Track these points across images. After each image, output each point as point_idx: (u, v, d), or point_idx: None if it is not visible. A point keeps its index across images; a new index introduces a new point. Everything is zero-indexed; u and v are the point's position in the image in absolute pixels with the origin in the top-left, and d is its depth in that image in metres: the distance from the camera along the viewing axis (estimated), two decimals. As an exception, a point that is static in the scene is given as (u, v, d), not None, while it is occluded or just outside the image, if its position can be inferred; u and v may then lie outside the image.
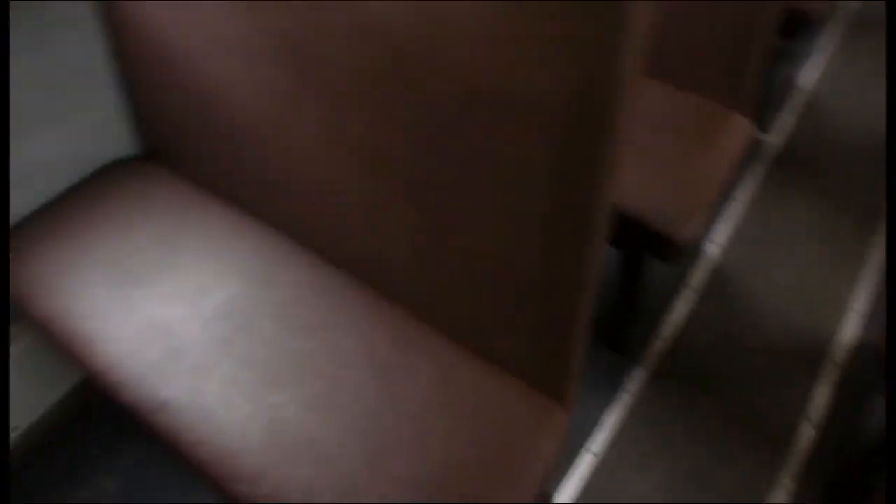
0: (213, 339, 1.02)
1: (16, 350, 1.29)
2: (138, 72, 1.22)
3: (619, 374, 1.54)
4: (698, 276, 1.75)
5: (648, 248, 1.23)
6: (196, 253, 1.13)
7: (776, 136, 2.16)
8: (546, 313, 0.90)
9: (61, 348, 1.06)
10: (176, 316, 1.05)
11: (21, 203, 1.20)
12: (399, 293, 1.06)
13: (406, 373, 0.98)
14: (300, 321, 1.04)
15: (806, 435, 1.45)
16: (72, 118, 1.23)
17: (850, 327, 1.65)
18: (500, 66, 0.74)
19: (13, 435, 1.36)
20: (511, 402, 0.96)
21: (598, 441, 1.43)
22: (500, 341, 0.98)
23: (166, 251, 1.13)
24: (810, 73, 2.42)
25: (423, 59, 0.80)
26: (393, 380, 0.97)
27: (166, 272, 1.10)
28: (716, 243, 1.83)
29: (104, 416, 1.43)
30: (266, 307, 1.06)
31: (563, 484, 1.37)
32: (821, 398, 1.51)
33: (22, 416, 1.37)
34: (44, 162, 1.22)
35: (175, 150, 1.28)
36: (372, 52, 0.84)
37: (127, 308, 1.06)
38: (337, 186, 1.03)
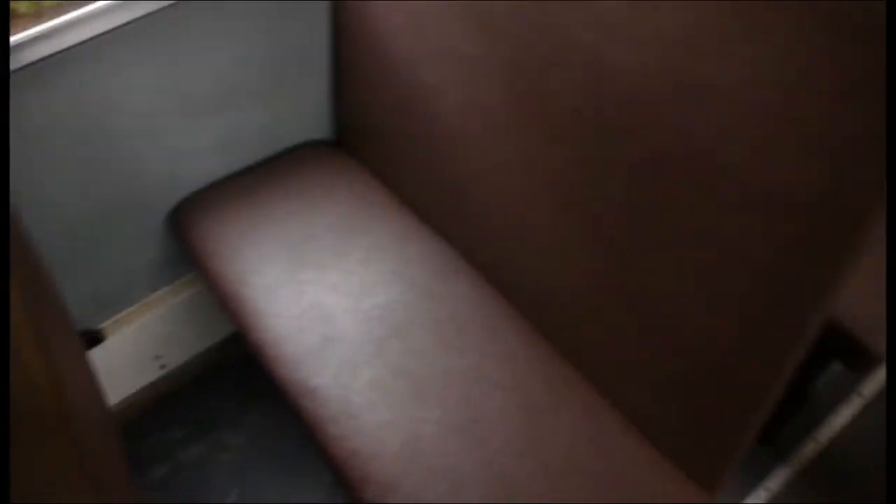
0: (368, 336, 1.03)
1: (181, 298, 1.38)
2: (351, 65, 1.26)
3: (762, 466, 1.42)
4: (871, 385, 1.59)
5: (837, 351, 1.12)
6: (367, 248, 1.15)
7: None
8: (724, 405, 0.84)
9: (229, 311, 1.11)
10: (338, 306, 1.07)
11: (222, 164, 1.28)
12: (561, 337, 1.03)
13: (555, 421, 0.94)
14: (455, 340, 1.04)
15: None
16: (280, 97, 1.30)
17: None
18: (744, 146, 0.69)
19: (160, 373, 1.46)
20: (657, 481, 0.91)
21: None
22: (661, 418, 0.92)
23: (340, 240, 1.16)
24: None
25: (658, 120, 0.76)
26: (540, 424, 0.94)
27: (337, 261, 1.13)
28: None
29: (239, 374, 1.50)
30: (423, 318, 1.06)
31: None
32: None
33: (172, 356, 1.47)
34: (248, 131, 1.29)
35: (367, 143, 1.31)
36: (604, 98, 0.81)
37: (296, 289, 1.10)
38: (522, 216, 1.01)
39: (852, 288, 1.14)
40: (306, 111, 1.36)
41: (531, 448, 0.92)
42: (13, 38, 1.00)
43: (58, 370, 0.45)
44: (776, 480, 1.41)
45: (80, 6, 1.06)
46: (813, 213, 0.67)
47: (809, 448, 1.46)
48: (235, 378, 1.50)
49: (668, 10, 0.72)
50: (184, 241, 1.22)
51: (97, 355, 1.34)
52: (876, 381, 1.60)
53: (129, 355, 1.40)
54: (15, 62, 0.98)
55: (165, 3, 1.07)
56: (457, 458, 0.91)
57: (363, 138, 1.32)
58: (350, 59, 1.26)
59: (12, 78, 0.97)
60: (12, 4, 1.50)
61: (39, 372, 0.44)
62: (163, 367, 1.46)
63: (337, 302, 1.08)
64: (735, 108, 0.69)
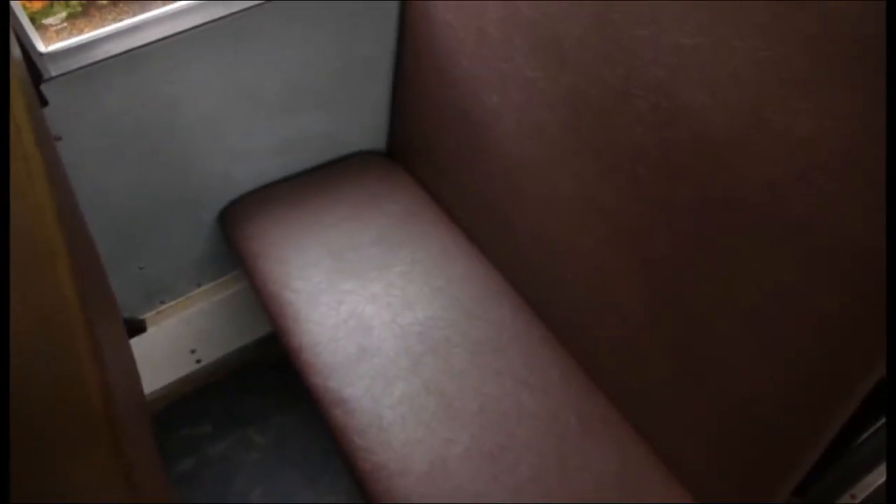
0: (405, 351, 1.03)
1: (223, 295, 1.41)
2: (412, 78, 1.27)
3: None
4: None
5: (885, 408, 1.08)
6: (410, 262, 1.15)
7: None
8: (762, 456, 0.81)
9: (269, 312, 1.12)
10: (377, 318, 1.07)
11: (277, 167, 1.30)
12: (600, 372, 1.01)
13: (586, 456, 0.92)
14: (492, 363, 1.03)
15: None
16: (341, 105, 1.32)
17: None
18: (818, 197, 0.67)
19: (195, 367, 1.48)
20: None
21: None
22: (696, 462, 0.89)
23: (385, 252, 1.16)
24: None
25: (725, 162, 0.74)
26: (573, 460, 0.92)
27: (379, 273, 1.13)
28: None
29: (272, 375, 1.51)
30: (462, 338, 1.05)
31: None
32: None
33: (208, 352, 1.49)
34: (306, 137, 1.31)
35: (421, 156, 1.32)
36: (670, 137, 0.80)
37: (336, 297, 1.10)
38: (571, 248, 1.00)
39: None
40: (364, 120, 1.38)
41: (559, 481, 0.90)
42: (88, 35, 1.04)
43: (104, 360, 0.46)
44: (809, 539, 1.35)
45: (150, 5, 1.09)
46: (879, 272, 0.65)
47: (846, 506, 1.40)
48: (268, 378, 1.51)
49: (745, 51, 0.70)
50: (232, 239, 1.24)
51: (137, 345, 1.36)
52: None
53: (167, 347, 1.43)
54: (86, 59, 1.02)
55: (240, 7, 1.09)
56: (483, 484, 0.89)
57: (417, 152, 1.33)
58: (412, 72, 1.27)
59: (81, 71, 1.01)
60: None
61: (88, 362, 0.45)
62: (198, 361, 1.48)
63: (376, 314, 1.08)
64: (810, 157, 0.67)
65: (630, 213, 0.89)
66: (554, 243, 1.03)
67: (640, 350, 0.93)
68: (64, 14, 1.21)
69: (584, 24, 0.87)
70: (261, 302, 1.15)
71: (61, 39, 1.03)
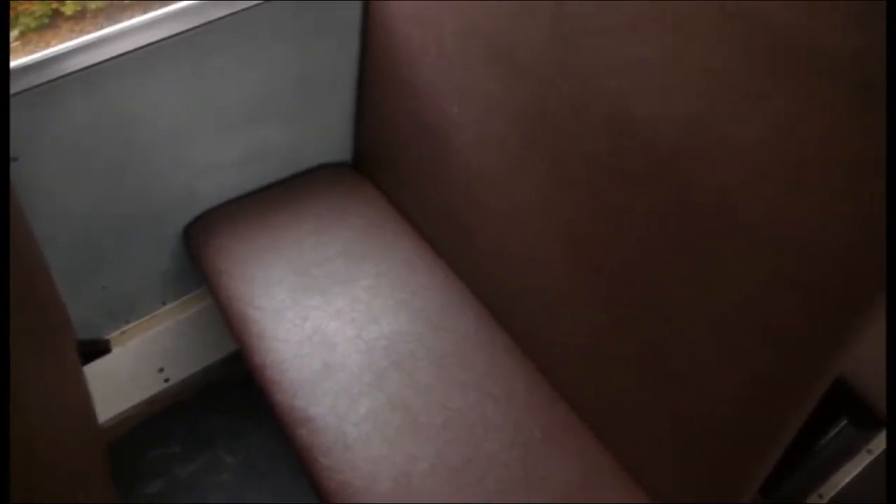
0: (369, 367, 1.02)
1: (190, 312, 1.39)
2: (375, 90, 1.27)
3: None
4: (880, 440, 1.54)
5: (845, 409, 1.09)
6: (375, 276, 1.15)
7: None
8: (722, 460, 0.81)
9: (232, 330, 1.11)
10: (341, 334, 1.06)
11: (241, 182, 1.29)
12: (564, 381, 1.01)
13: (552, 468, 0.92)
14: (457, 376, 1.02)
15: None
16: (304, 117, 1.31)
17: None
18: (765, 203, 0.67)
19: (163, 386, 1.45)
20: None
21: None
22: (658, 467, 0.89)
23: (350, 267, 1.16)
24: None
25: (678, 170, 0.75)
26: (537, 471, 0.91)
27: (344, 288, 1.13)
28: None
29: (241, 392, 1.49)
30: (426, 351, 1.05)
31: None
32: None
33: (176, 370, 1.46)
34: (269, 150, 1.30)
35: (385, 168, 1.32)
36: (625, 146, 0.80)
37: (301, 313, 1.09)
38: (531, 258, 1.00)
39: (863, 346, 1.11)
40: (328, 132, 1.37)
41: (524, 492, 0.89)
42: (44, 53, 1.02)
43: (31, 387, 0.45)
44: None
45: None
46: (828, 275, 0.65)
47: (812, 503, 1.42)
48: (237, 396, 1.49)
49: (694, 60, 0.71)
50: (196, 256, 1.23)
51: (102, 365, 1.34)
52: (883, 436, 1.55)
53: (134, 367, 1.40)
54: (44, 76, 1.00)
55: (198, 22, 1.09)
56: (448, 500, 0.89)
57: (382, 163, 1.32)
58: (375, 83, 1.26)
59: (36, 90, 0.99)
60: (59, 6, 1.54)
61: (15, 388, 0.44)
62: (166, 380, 1.45)
63: (340, 329, 1.07)
64: (758, 163, 0.68)
65: (589, 223, 0.89)
66: (515, 254, 1.03)
67: (600, 358, 0.93)
68: (16, 32, 1.20)
69: (537, 36, 0.88)
70: (225, 320, 1.13)
71: (14, 58, 1.02)
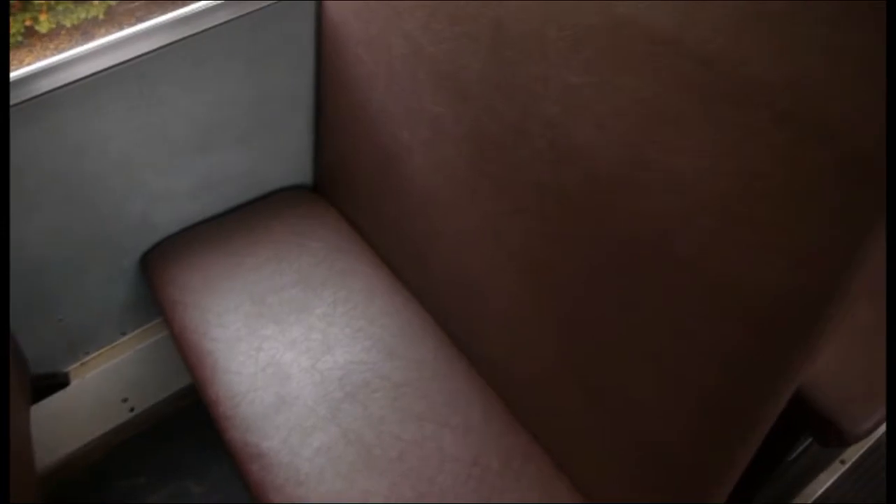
0: (323, 399, 1.00)
1: (152, 341, 1.36)
2: (332, 113, 1.25)
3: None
4: (853, 450, 1.52)
5: (811, 430, 1.07)
6: (332, 303, 1.13)
7: None
8: (681, 488, 0.80)
9: (187, 364, 1.09)
10: (296, 365, 1.04)
11: (199, 208, 1.27)
12: (519, 406, 0.99)
13: (509, 498, 0.90)
14: (413, 405, 1.00)
15: None
16: (262, 141, 1.29)
17: None
18: (700, 236, 0.66)
19: (127, 416, 1.43)
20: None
21: None
22: (615, 496, 0.87)
23: (307, 294, 1.14)
24: None
25: (618, 201, 0.73)
26: (493, 499, 0.89)
27: (300, 316, 1.11)
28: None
29: (207, 420, 1.47)
30: (382, 381, 1.03)
31: None
32: None
33: (140, 400, 1.44)
34: (227, 175, 1.28)
35: (346, 191, 1.30)
36: (567, 174, 0.78)
37: (255, 344, 1.07)
38: (484, 285, 0.98)
39: (839, 362, 1.09)
40: (288, 156, 1.35)
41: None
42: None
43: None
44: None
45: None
46: (765, 307, 0.64)
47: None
48: (204, 423, 1.46)
49: (627, 88, 0.69)
50: (152, 286, 1.21)
51: (62, 398, 1.32)
52: (856, 446, 1.53)
53: (96, 398, 1.38)
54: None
55: (144, 49, 1.07)
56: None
57: (342, 187, 1.31)
58: (332, 106, 1.25)
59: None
60: (33, 24, 1.50)
61: None
62: (131, 410, 1.43)
63: (295, 360, 1.05)
64: (692, 196, 0.66)
65: (536, 251, 0.88)
66: (469, 279, 1.01)
67: (554, 385, 0.92)
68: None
69: (480, 61, 0.86)
70: (180, 352, 1.11)
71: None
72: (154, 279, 1.20)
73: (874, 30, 0.51)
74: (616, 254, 0.76)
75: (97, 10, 3.24)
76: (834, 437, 1.05)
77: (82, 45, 1.08)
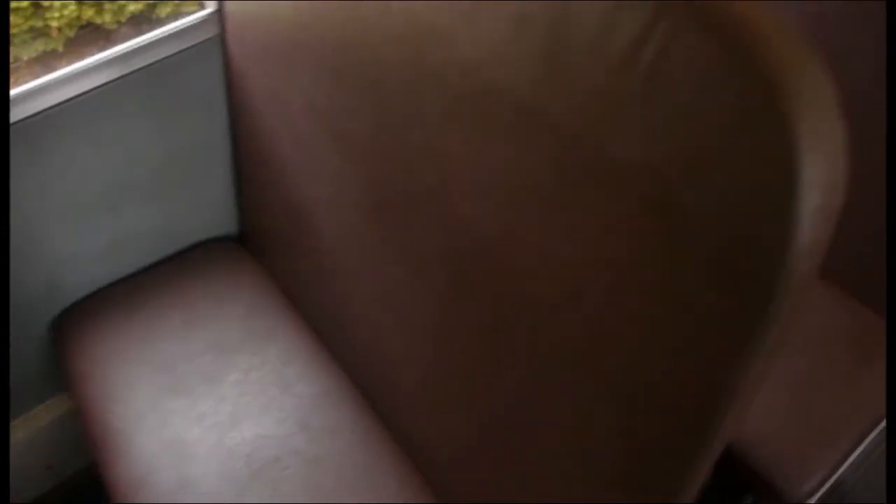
0: (228, 480, 0.94)
1: (73, 406, 1.30)
2: (250, 166, 1.19)
3: None
4: None
5: (750, 491, 1.01)
6: (246, 370, 1.06)
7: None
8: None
9: (89, 440, 1.02)
10: (202, 442, 0.98)
11: (109, 270, 1.20)
12: (437, 478, 0.92)
13: None
14: (325, 483, 0.94)
15: None
16: (180, 194, 1.23)
17: None
18: (584, 322, 0.60)
19: (53, 482, 1.36)
20: None
21: None
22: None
23: (219, 362, 1.07)
24: None
25: (506, 278, 0.67)
26: None
27: (210, 387, 1.04)
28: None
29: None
30: (294, 457, 0.96)
31: None
32: None
33: (65, 465, 1.37)
34: (141, 232, 1.21)
35: (268, 245, 1.24)
36: (455, 245, 0.73)
37: (161, 419, 1.00)
38: (397, 349, 0.92)
39: (778, 420, 1.03)
40: (210, 208, 1.28)
41: None
42: None
43: None
44: None
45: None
46: (654, 404, 0.58)
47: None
48: None
49: (499, 161, 0.63)
50: (59, 356, 1.14)
51: (-22, 469, 1.25)
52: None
53: (19, 466, 1.31)
54: None
55: (34, 110, 1.01)
56: None
57: (264, 240, 1.24)
58: (245, 159, 1.19)
59: None
60: None
61: None
62: (56, 476, 1.36)
63: (201, 436, 0.98)
64: (571, 284, 0.60)
65: (442, 319, 0.82)
66: (380, 345, 0.95)
67: (475, 459, 0.86)
68: None
69: (367, 124, 0.80)
70: (82, 428, 1.05)
71: None
72: (61, 348, 1.14)
73: (735, 119, 0.45)
74: (517, 332, 0.70)
75: (56, 43, 3.18)
76: (773, 499, 0.99)
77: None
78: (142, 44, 1.08)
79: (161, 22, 1.16)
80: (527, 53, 0.56)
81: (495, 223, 0.66)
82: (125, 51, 1.07)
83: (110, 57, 1.06)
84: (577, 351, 0.61)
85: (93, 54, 1.11)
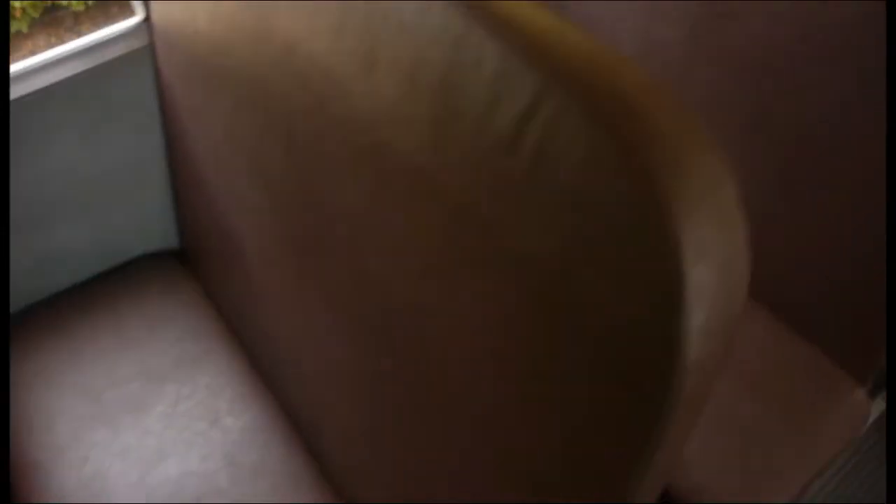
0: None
1: None
2: (180, 181, 1.14)
3: None
4: None
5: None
6: (175, 402, 1.02)
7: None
8: None
9: (12, 474, 0.99)
10: (123, 478, 0.94)
11: (35, 289, 1.15)
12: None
13: None
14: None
15: None
16: (112, 207, 1.17)
17: None
18: (490, 395, 0.56)
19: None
20: None
21: None
22: None
23: (147, 390, 1.03)
24: None
25: (421, 343, 0.63)
26: None
27: (137, 417, 1.00)
28: None
29: None
30: (217, 496, 0.93)
31: None
32: None
33: None
34: (71, 248, 1.16)
35: (205, 260, 1.19)
36: (369, 302, 0.68)
37: (83, 452, 0.97)
38: (326, 389, 0.89)
39: (719, 464, 1.00)
40: (147, 222, 1.23)
41: None
42: None
43: None
44: None
45: None
46: (555, 484, 0.54)
47: None
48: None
49: (403, 223, 0.58)
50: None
51: None
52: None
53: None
54: None
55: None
56: None
57: (202, 258, 1.20)
58: (178, 176, 1.13)
59: None
60: None
61: None
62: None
63: (123, 473, 0.95)
64: (481, 345, 0.56)
65: (361, 366, 0.77)
66: (310, 383, 0.91)
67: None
68: None
69: (280, 161, 0.75)
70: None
71: None
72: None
73: (618, 219, 0.40)
74: (428, 396, 0.66)
75: (20, 24, 3.07)
76: None
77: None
78: (66, 54, 1.03)
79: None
80: (417, 116, 0.51)
81: (403, 286, 0.61)
82: (47, 61, 1.01)
83: (31, 67, 1.01)
84: (477, 431, 0.57)
85: (59, 36, 1.05)
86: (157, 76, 1.06)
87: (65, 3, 3.06)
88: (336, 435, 0.90)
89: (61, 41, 0.98)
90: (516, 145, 0.45)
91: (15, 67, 1.02)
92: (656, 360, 0.41)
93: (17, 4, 3.05)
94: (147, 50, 1.05)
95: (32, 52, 1.02)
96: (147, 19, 1.03)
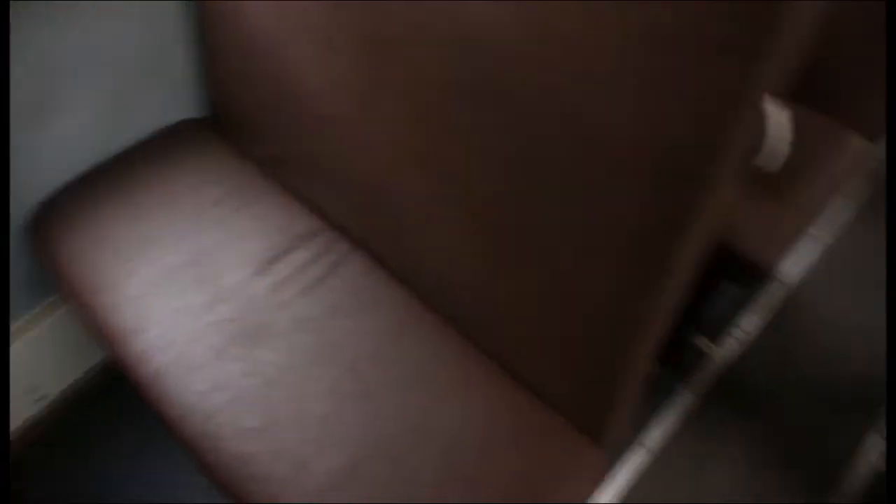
0: (221, 339, 0.97)
1: (51, 320, 1.26)
2: (216, 41, 1.17)
3: (667, 388, 1.47)
4: (767, 300, 1.66)
5: (726, 271, 1.12)
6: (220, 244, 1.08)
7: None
8: (606, 353, 0.82)
9: (95, 335, 1.02)
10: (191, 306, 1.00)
11: (84, 157, 1.17)
12: (455, 316, 0.99)
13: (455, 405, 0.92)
14: (347, 323, 0.99)
15: (848, 482, 1.37)
16: (147, 78, 1.20)
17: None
18: (613, 108, 0.66)
19: (41, 405, 1.34)
20: (550, 439, 0.90)
21: (634, 456, 1.39)
22: (547, 374, 0.91)
23: (197, 250, 1.07)
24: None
25: (522, 81, 0.72)
26: (432, 398, 0.91)
27: (197, 269, 1.05)
28: (795, 268, 1.73)
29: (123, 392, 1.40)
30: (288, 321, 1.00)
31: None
32: (873, 446, 1.42)
33: (50, 386, 1.35)
34: (111, 119, 1.19)
35: (239, 121, 1.23)
36: (470, 63, 0.76)
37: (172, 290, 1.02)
38: (398, 196, 0.96)
39: (748, 205, 1.14)
40: (176, 91, 1.27)
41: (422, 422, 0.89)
42: None
43: None
44: (681, 398, 1.46)
45: None
46: (667, 164, 0.65)
47: (711, 366, 1.52)
48: (115, 399, 1.39)
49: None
50: (39, 253, 1.10)
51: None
52: (770, 295, 1.67)
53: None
54: None
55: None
56: (347, 430, 0.87)
57: (235, 116, 1.23)
58: (215, 36, 1.16)
59: None
60: None
61: None
62: (41, 398, 1.33)
63: (191, 302, 1.00)
64: (587, 62, 0.66)
65: (446, 155, 0.85)
66: (380, 196, 0.98)
67: (482, 289, 0.92)
68: None
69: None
70: (84, 322, 1.03)
71: None
72: (39, 244, 1.10)
73: None
74: (524, 140, 0.75)
75: None
76: (745, 274, 1.10)
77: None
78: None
79: None
80: None
81: (515, 27, 0.69)
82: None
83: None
84: (596, 134, 0.68)
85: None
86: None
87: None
88: (414, 235, 0.97)
89: None
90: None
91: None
92: None
93: None
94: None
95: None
96: None
